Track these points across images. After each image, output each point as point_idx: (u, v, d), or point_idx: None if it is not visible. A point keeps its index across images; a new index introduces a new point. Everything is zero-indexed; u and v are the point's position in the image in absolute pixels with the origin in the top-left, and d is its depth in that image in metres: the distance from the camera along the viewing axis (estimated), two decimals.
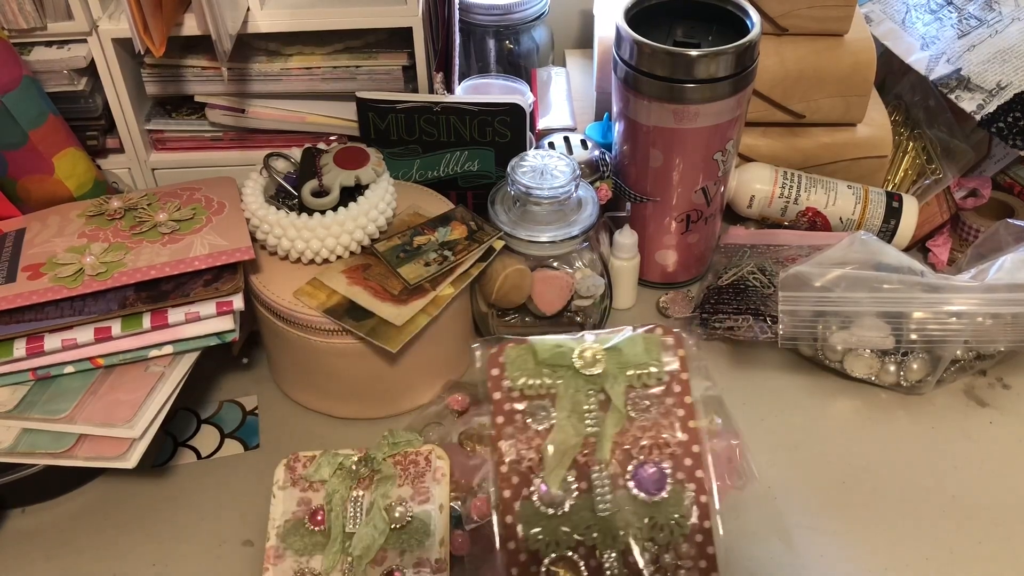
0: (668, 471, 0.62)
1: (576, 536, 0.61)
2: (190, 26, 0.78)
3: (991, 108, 0.86)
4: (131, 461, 0.66)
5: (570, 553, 0.61)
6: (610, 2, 0.98)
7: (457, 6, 0.88)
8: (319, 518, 0.65)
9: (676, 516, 0.61)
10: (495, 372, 0.66)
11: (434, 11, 0.84)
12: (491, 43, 1.03)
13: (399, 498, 0.65)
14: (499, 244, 0.78)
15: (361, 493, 0.66)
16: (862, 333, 0.78)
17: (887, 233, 0.91)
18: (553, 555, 0.61)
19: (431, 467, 0.67)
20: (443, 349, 0.78)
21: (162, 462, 0.76)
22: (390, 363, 0.74)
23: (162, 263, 0.71)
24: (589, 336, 0.67)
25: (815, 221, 0.92)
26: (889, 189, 0.95)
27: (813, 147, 0.93)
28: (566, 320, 0.82)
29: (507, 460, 0.63)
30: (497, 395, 0.65)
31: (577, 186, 0.78)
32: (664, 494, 0.62)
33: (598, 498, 0.62)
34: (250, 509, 0.71)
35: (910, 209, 0.91)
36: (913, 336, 0.77)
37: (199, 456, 0.76)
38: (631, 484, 0.62)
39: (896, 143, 0.98)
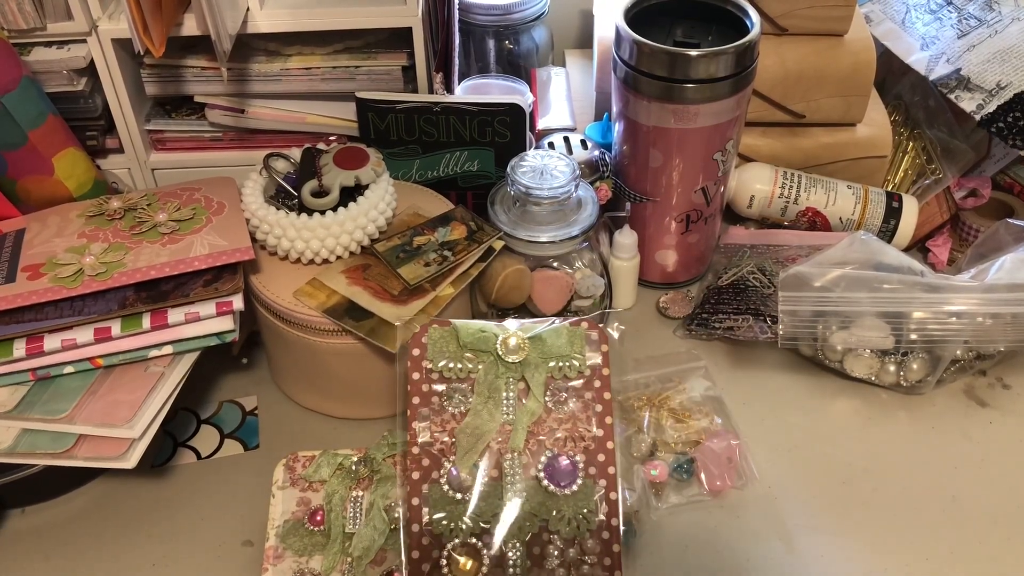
0: (580, 465, 0.62)
1: (482, 523, 0.60)
2: (190, 26, 0.78)
3: (991, 108, 0.86)
4: (131, 461, 0.66)
5: (474, 540, 0.60)
6: (610, 2, 0.98)
7: (457, 6, 0.88)
8: (319, 518, 0.65)
9: (584, 511, 0.61)
10: (416, 352, 0.65)
11: (434, 11, 0.84)
12: (491, 43, 1.03)
13: (399, 498, 0.65)
14: (499, 244, 0.78)
15: (361, 493, 0.66)
16: (862, 333, 0.78)
17: (887, 233, 0.91)
18: (456, 541, 0.60)
19: None
20: None
21: (162, 462, 0.76)
22: (390, 363, 0.74)
23: (162, 263, 0.70)
24: (513, 324, 0.67)
25: (815, 221, 0.92)
26: (889, 189, 0.95)
27: (813, 147, 0.93)
28: None
29: (419, 441, 0.63)
30: (416, 375, 0.65)
31: (577, 186, 0.78)
32: (574, 488, 0.61)
33: (508, 486, 0.61)
34: (250, 509, 0.71)
35: (910, 209, 0.91)
36: (913, 336, 0.77)
37: (199, 456, 0.76)
38: (542, 475, 0.62)
39: (896, 143, 0.98)
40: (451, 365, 0.65)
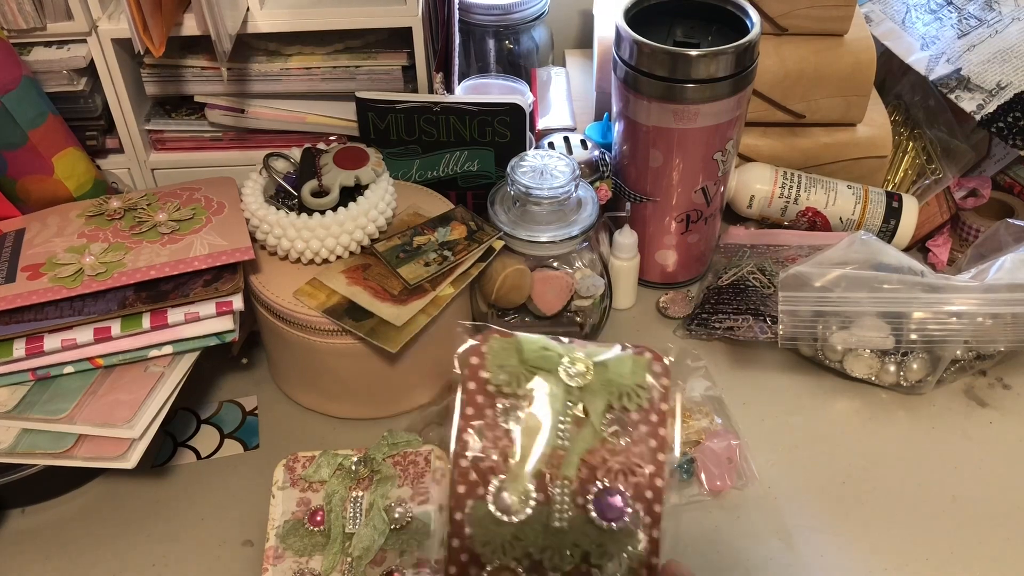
0: (629, 500, 0.59)
1: (525, 548, 0.58)
2: (190, 26, 0.78)
3: (991, 108, 0.86)
4: (131, 461, 0.66)
5: (515, 564, 0.58)
6: (610, 2, 0.98)
7: (457, 6, 0.88)
8: (318, 518, 0.65)
9: (628, 548, 0.58)
10: (475, 360, 0.62)
11: (434, 11, 0.84)
12: (491, 43, 1.03)
13: (399, 498, 0.65)
14: (499, 244, 0.78)
15: (360, 493, 0.66)
16: (862, 333, 0.78)
17: (887, 233, 0.91)
18: (497, 563, 0.58)
19: (431, 467, 0.67)
20: (443, 349, 0.78)
21: (162, 462, 0.76)
22: (390, 363, 0.74)
23: (162, 263, 0.70)
24: (578, 346, 0.64)
25: (815, 221, 0.92)
26: (889, 189, 0.95)
27: (813, 147, 0.93)
28: (566, 320, 0.82)
29: (468, 455, 0.60)
30: (472, 384, 0.61)
31: (577, 186, 0.78)
32: (621, 524, 0.59)
33: (555, 514, 0.59)
34: (250, 509, 0.71)
35: (910, 209, 0.91)
36: (913, 336, 0.77)
37: (199, 456, 0.76)
38: (591, 507, 0.59)
39: (896, 143, 0.98)
40: (509, 380, 0.61)
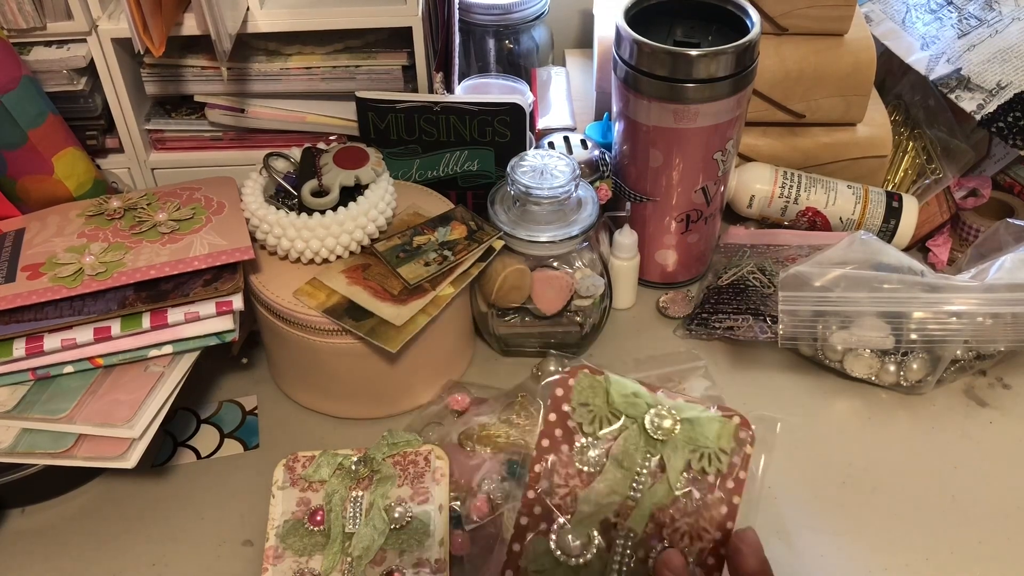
0: (690, 565, 0.58)
1: None
2: (190, 26, 0.78)
3: (991, 108, 0.86)
4: (131, 461, 0.66)
5: None
6: (610, 2, 0.98)
7: (457, 6, 0.88)
8: (318, 518, 0.65)
9: None
10: (559, 392, 0.60)
11: (434, 11, 0.84)
12: (491, 43, 1.03)
13: (399, 498, 0.65)
14: (499, 244, 0.78)
15: (360, 493, 0.66)
16: (862, 333, 0.78)
17: (887, 233, 0.91)
18: None
19: (430, 467, 0.67)
20: (443, 349, 0.78)
21: (162, 462, 0.76)
22: (390, 363, 0.74)
23: (162, 263, 0.70)
24: (667, 396, 0.62)
25: (815, 221, 0.92)
26: (889, 189, 0.95)
27: (813, 147, 0.93)
28: (566, 320, 0.82)
29: (538, 488, 0.58)
30: (552, 416, 0.60)
31: (577, 186, 0.78)
32: None
33: (614, 564, 0.57)
34: (250, 509, 0.71)
35: (910, 209, 0.91)
36: (913, 336, 0.77)
37: (199, 456, 0.76)
38: (651, 563, 0.57)
39: (896, 143, 0.98)
40: (592, 419, 0.60)
